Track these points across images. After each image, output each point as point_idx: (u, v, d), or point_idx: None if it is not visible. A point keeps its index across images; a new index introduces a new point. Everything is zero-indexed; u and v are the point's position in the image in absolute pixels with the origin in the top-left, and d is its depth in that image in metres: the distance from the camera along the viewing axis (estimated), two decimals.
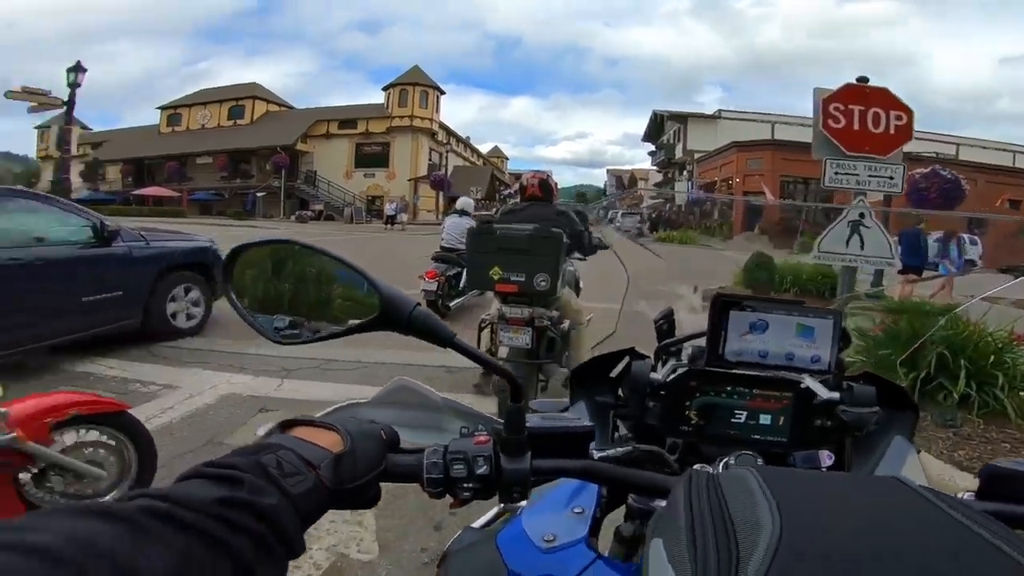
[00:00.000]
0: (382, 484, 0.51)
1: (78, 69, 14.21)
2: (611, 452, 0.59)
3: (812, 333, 0.79)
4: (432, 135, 33.48)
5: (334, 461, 0.44)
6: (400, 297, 0.51)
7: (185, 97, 37.91)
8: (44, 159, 37.12)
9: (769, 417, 0.76)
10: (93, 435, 2.14)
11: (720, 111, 38.66)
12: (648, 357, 0.85)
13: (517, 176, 66.47)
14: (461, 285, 5.75)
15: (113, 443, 2.18)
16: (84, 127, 41.07)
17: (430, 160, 33.60)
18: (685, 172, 41.27)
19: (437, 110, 34.28)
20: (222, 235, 6.54)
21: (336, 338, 0.54)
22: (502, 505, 0.74)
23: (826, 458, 0.77)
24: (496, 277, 2.55)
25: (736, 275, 7.90)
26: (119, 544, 0.29)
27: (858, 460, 0.80)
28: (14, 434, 1.82)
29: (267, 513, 0.37)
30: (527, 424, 0.53)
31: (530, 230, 2.57)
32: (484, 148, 56.79)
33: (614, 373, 0.86)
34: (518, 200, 3.35)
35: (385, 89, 34.07)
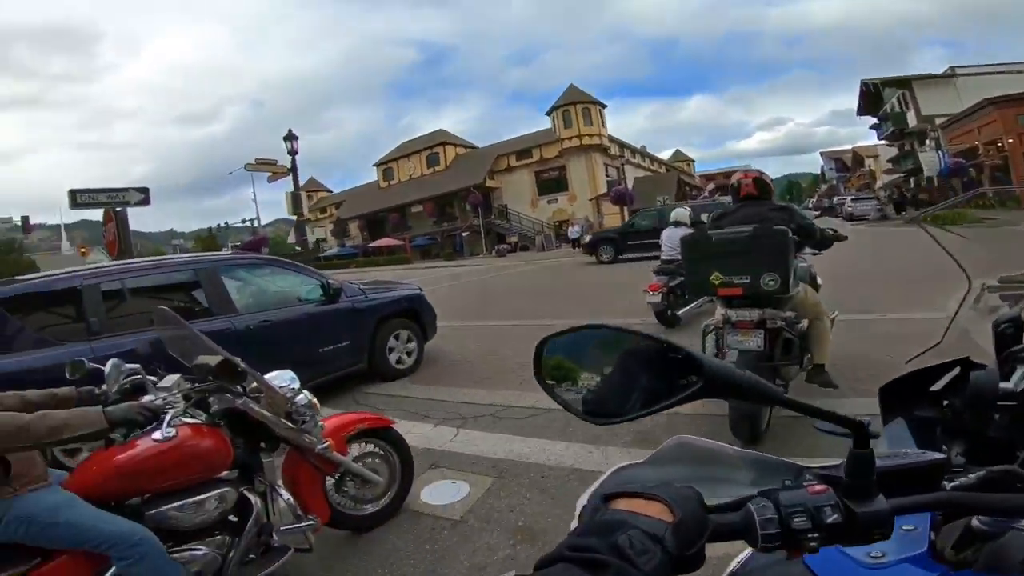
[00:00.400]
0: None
1: (291, 138, 16.92)
2: (965, 480, 0.54)
3: None
4: (604, 150, 33.20)
5: (674, 532, 0.44)
6: (723, 367, 0.50)
7: (391, 152, 43.10)
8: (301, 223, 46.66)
9: None
10: (370, 447, 2.53)
11: (953, 68, 31.16)
12: (988, 366, 0.73)
13: (710, 178, 62.67)
14: (687, 295, 5.72)
15: (383, 453, 2.54)
16: (327, 190, 50.44)
17: (607, 176, 33.35)
18: (927, 142, 33.65)
19: (603, 124, 33.93)
20: (437, 275, 6.99)
21: (653, 414, 0.52)
22: None
23: None
24: (717, 282, 2.55)
25: None
26: None
27: None
28: (328, 443, 2.16)
29: None
30: (878, 464, 0.50)
31: (750, 231, 2.50)
32: (665, 155, 54.46)
33: (936, 387, 0.76)
34: (730, 202, 3.21)
35: (548, 114, 34.76)
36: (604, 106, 34.73)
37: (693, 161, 62.14)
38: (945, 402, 0.74)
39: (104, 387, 1.95)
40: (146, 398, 1.89)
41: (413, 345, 5.37)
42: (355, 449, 2.45)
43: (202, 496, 1.81)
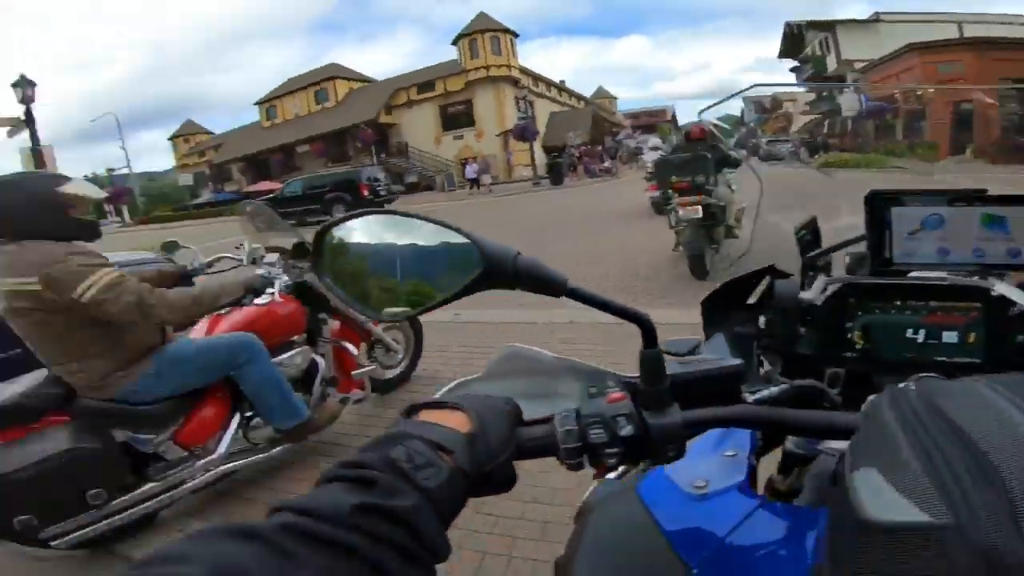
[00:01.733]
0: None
1: (24, 84, 12.35)
2: (766, 393, 0.54)
3: (1005, 224, 0.66)
4: (514, 82, 29.54)
5: (468, 442, 0.40)
6: (500, 248, 0.45)
7: (275, 89, 37.96)
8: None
9: (955, 334, 0.64)
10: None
11: (877, 13, 29.74)
12: (792, 275, 0.74)
13: (634, 116, 60.92)
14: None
15: (399, 328, 3.12)
16: (208, 132, 43.61)
17: (519, 111, 29.90)
18: (845, 88, 32.77)
19: (514, 54, 30.16)
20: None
21: (441, 306, 0.47)
22: None
23: None
24: (674, 180, 4.33)
25: None
26: (264, 571, 0.28)
27: None
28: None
29: (404, 516, 0.34)
30: (668, 371, 0.47)
31: (691, 156, 4.45)
32: (590, 92, 51.07)
33: (753, 299, 0.76)
34: (677, 141, 5.43)
35: (454, 43, 30.61)
36: (515, 35, 30.84)
37: (615, 99, 58.98)
38: (761, 316, 0.72)
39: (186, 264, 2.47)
40: (259, 271, 2.38)
41: None
42: (380, 326, 2.94)
43: (293, 352, 2.35)
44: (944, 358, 0.65)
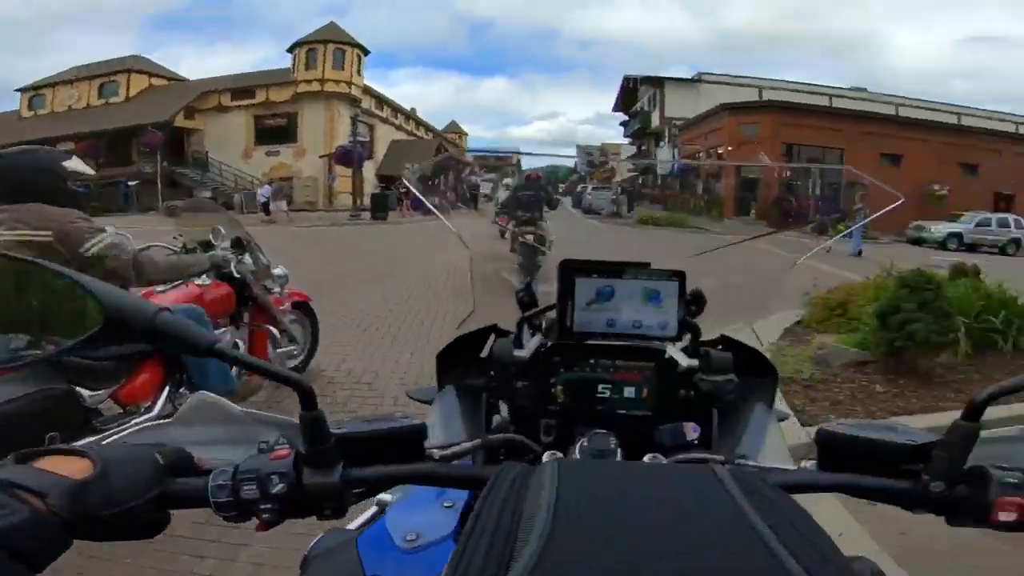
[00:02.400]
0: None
1: None
2: (453, 449, 0.55)
3: (659, 297, 0.75)
4: (354, 101, 26.58)
5: (72, 489, 0.40)
6: (136, 303, 0.45)
7: (51, 76, 30.46)
8: None
9: (633, 389, 0.75)
10: (293, 316, 3.45)
11: (700, 74, 33.39)
12: (512, 333, 0.81)
13: (484, 158, 62.37)
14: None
15: (296, 319, 3.50)
16: None
17: (357, 133, 27.29)
18: (662, 144, 35.89)
19: (359, 72, 27.61)
20: None
21: (52, 358, 0.48)
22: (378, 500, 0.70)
23: (692, 431, 0.72)
24: (520, 214, 5.21)
25: None
26: None
27: (723, 430, 0.77)
28: (286, 305, 3.32)
29: None
30: (337, 431, 0.47)
31: (530, 195, 5.60)
32: (440, 125, 50.23)
33: (485, 353, 0.83)
34: (519, 182, 6.20)
35: (291, 50, 27.32)
36: (365, 52, 28.36)
37: (466, 135, 59.28)
38: (490, 370, 0.77)
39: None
40: (214, 253, 2.68)
41: None
42: (288, 317, 3.29)
43: (223, 330, 2.68)
44: (624, 411, 0.74)
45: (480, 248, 1.26)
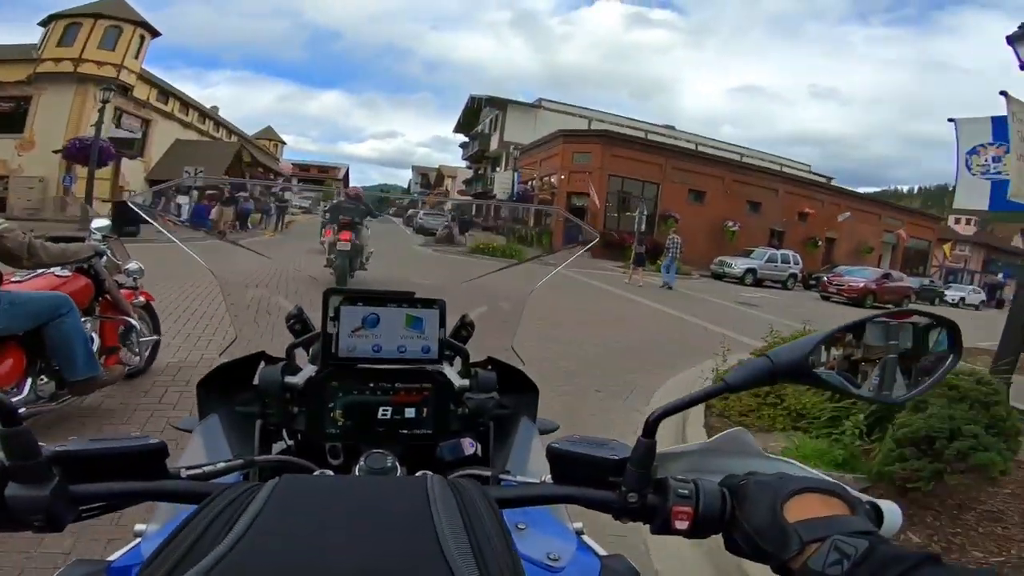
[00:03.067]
0: None
1: None
2: (205, 469, 0.57)
3: (421, 324, 0.78)
4: (123, 90, 20.58)
5: None
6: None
7: None
8: None
9: (413, 410, 0.78)
10: (142, 314, 3.52)
11: (541, 100, 34.04)
12: (282, 361, 0.82)
13: (304, 168, 56.96)
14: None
15: (147, 320, 3.57)
16: None
17: (121, 127, 21.37)
18: (498, 168, 35.68)
19: (138, 56, 21.70)
20: None
21: None
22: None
23: (468, 445, 0.80)
24: (341, 218, 4.43)
25: None
26: None
27: (498, 443, 0.83)
28: (139, 299, 3.48)
29: None
30: (58, 448, 0.48)
31: (353, 207, 4.54)
32: (285, 137, 43.27)
33: (257, 380, 0.80)
34: (343, 198, 5.53)
35: (44, 24, 20.54)
36: (155, 33, 22.32)
37: (283, 143, 52.76)
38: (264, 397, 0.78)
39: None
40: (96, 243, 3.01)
41: None
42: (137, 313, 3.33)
43: (84, 319, 2.69)
44: (407, 430, 0.77)
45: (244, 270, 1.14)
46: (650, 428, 0.51)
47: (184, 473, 0.53)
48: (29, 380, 2.35)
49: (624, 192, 25.00)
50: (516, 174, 29.26)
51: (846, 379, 0.56)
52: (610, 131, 24.93)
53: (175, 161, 21.89)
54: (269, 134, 49.79)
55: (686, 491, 0.50)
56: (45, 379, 2.44)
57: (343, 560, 0.34)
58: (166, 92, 24.42)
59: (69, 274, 2.78)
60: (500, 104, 33.33)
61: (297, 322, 0.90)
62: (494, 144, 34.13)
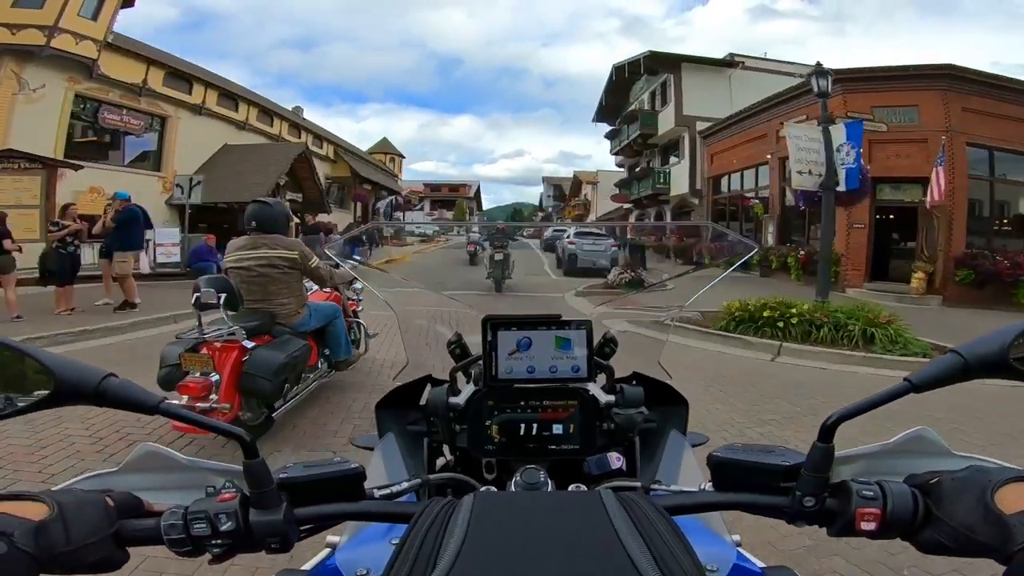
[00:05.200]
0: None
1: None
2: (392, 489, 0.60)
3: (570, 344, 0.81)
4: (83, 67, 13.08)
5: (35, 529, 0.44)
6: (82, 369, 0.50)
7: None
8: None
9: (561, 426, 0.81)
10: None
11: (732, 55, 21.48)
12: (447, 382, 0.88)
13: (436, 187, 52.84)
14: None
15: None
16: None
17: (85, 120, 13.82)
18: (672, 157, 23.51)
19: (108, 21, 13.52)
20: None
21: (7, 418, 0.51)
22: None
23: (615, 460, 0.81)
24: (495, 243, 4.59)
25: None
26: None
27: (645, 457, 0.87)
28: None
29: None
30: (281, 476, 0.54)
31: (500, 234, 5.08)
32: (421, 165, 36.85)
33: (423, 400, 0.88)
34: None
35: None
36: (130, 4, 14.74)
37: (402, 157, 45.76)
38: (431, 416, 0.84)
39: None
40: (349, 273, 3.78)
41: None
42: None
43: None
44: (555, 446, 0.81)
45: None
46: (827, 433, 0.51)
47: (377, 494, 0.58)
48: (320, 360, 3.82)
49: (995, 176, 11.76)
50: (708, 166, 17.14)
51: None
52: (955, 67, 11.55)
53: (219, 175, 13.95)
54: (385, 147, 43.24)
55: (871, 492, 0.50)
56: (323, 360, 3.89)
57: (548, 569, 0.38)
58: (186, 77, 16.57)
59: (329, 290, 4.14)
60: (671, 63, 21.49)
61: (457, 347, 0.95)
62: (664, 124, 22.25)
